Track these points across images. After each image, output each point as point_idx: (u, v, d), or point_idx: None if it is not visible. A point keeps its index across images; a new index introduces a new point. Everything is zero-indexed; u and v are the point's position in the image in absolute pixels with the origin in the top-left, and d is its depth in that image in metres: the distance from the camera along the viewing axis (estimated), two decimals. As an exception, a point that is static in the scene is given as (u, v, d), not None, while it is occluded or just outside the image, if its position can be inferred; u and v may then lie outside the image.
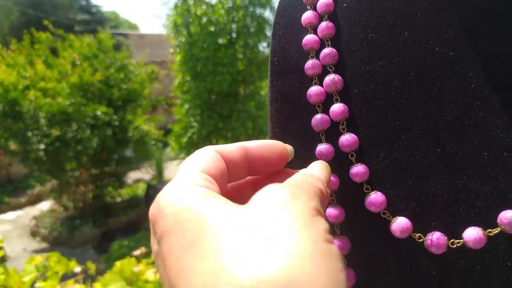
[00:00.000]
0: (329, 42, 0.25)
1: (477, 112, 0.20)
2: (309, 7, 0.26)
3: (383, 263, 0.23)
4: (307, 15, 0.26)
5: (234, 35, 2.76)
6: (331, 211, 0.24)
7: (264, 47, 2.90)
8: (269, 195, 0.16)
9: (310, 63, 0.25)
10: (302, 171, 0.22)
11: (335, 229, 0.25)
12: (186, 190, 0.17)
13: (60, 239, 4.20)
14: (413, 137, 0.22)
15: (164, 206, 0.17)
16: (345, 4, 0.25)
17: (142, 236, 3.73)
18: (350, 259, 0.24)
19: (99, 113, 4.13)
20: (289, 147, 0.23)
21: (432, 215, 0.22)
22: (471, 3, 0.20)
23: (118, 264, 1.39)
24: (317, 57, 0.25)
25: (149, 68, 4.79)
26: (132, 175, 5.69)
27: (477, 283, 0.20)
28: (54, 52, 4.50)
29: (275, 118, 0.26)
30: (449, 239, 0.21)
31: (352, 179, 0.24)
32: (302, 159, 0.25)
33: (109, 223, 4.53)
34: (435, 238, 0.21)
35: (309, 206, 0.16)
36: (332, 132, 0.24)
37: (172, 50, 2.87)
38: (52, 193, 4.69)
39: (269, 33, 2.88)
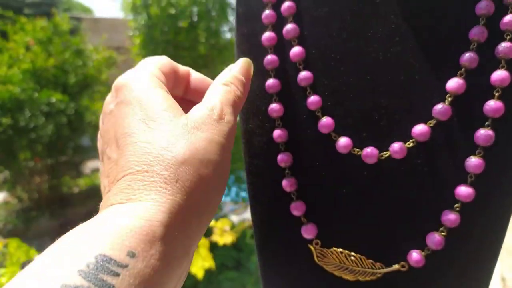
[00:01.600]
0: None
1: (395, 46, 0.26)
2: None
3: (325, 172, 0.29)
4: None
5: (195, 19, 2.75)
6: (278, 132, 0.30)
7: (226, 31, 2.93)
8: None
9: (266, 13, 0.31)
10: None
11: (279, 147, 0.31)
12: (150, 78, 0.24)
13: (15, 231, 4.05)
14: (349, 67, 0.28)
15: (131, 81, 0.24)
16: None
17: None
18: (294, 170, 0.30)
19: (53, 100, 3.98)
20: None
21: (366, 131, 0.28)
22: None
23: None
24: (274, 8, 0.30)
25: (107, 53, 4.65)
26: (90, 164, 5.53)
27: (400, 186, 0.26)
28: (3, 35, 4.25)
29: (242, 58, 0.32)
30: (379, 152, 0.27)
31: (308, 107, 0.29)
32: None
33: (67, 214, 4.40)
34: (369, 150, 0.27)
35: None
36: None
37: (131, 33, 2.81)
38: (6, 184, 4.48)
39: (231, 17, 2.89)
